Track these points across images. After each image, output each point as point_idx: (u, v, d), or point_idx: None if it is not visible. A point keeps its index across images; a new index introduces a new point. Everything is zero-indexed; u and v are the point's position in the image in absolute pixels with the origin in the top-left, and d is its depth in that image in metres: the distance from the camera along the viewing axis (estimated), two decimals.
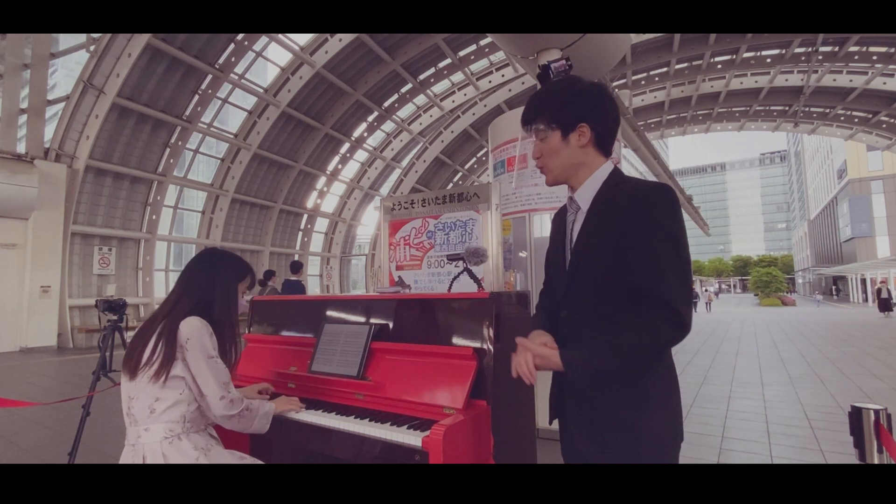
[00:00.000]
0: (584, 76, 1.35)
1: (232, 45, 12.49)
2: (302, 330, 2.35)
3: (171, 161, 13.13)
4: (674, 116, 22.89)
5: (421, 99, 18.36)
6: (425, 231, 3.44)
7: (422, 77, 16.53)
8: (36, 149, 10.65)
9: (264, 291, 7.90)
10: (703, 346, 10.08)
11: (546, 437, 3.28)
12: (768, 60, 17.50)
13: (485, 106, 17.82)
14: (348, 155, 18.33)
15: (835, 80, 18.62)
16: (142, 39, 10.46)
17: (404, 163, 20.36)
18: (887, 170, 36.91)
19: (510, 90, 17.25)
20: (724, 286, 78.09)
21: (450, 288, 2.63)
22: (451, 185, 21.95)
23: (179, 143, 13.17)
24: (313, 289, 19.18)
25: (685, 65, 18.00)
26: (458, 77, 17.56)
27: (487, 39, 14.94)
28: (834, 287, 47.26)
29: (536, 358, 1.15)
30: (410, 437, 1.53)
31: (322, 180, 18.16)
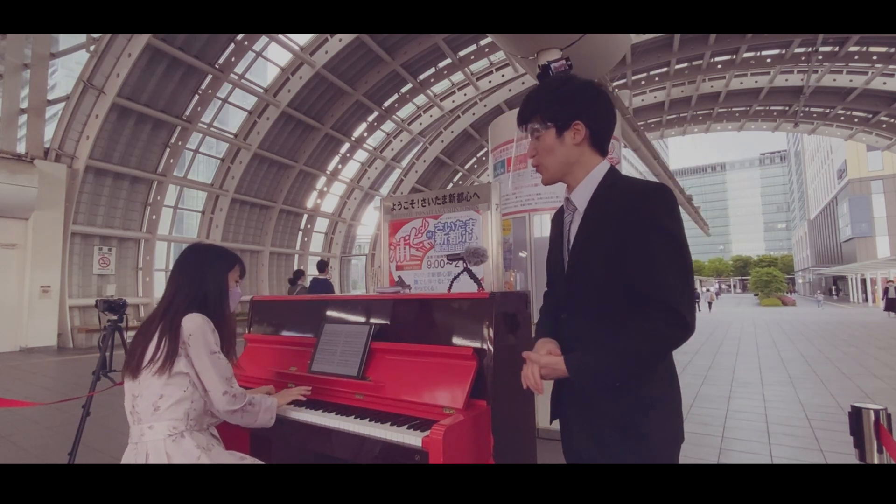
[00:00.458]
0: (584, 76, 1.35)
1: (232, 45, 12.49)
2: (302, 330, 2.35)
3: (171, 161, 13.13)
4: (674, 116, 22.89)
5: (421, 99, 18.36)
6: (425, 231, 3.44)
7: (422, 77, 16.53)
8: (36, 149, 10.65)
9: (294, 290, 8.04)
10: (703, 346, 10.07)
11: (546, 437, 3.28)
12: (768, 60, 17.51)
13: (485, 106, 17.83)
14: (348, 155, 18.34)
15: (835, 80, 18.62)
16: (142, 39, 10.46)
17: (404, 163, 20.36)
18: (887, 170, 36.91)
19: (510, 90, 17.25)
20: (724, 286, 78.08)
21: (450, 288, 2.63)
22: (451, 185, 21.95)
23: (179, 143, 13.17)
24: None
25: (685, 65, 18.00)
26: (458, 77, 17.56)
27: (487, 39, 14.94)
28: (834, 287, 47.27)
29: (543, 368, 1.15)
30: (410, 437, 1.53)
31: (322, 180, 18.16)
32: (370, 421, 1.68)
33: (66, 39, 13.60)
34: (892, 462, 1.24)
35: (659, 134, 25.64)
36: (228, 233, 15.36)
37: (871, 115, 20.87)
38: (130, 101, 11.33)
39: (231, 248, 2.36)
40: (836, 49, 16.37)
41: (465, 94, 18.38)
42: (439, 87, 18.12)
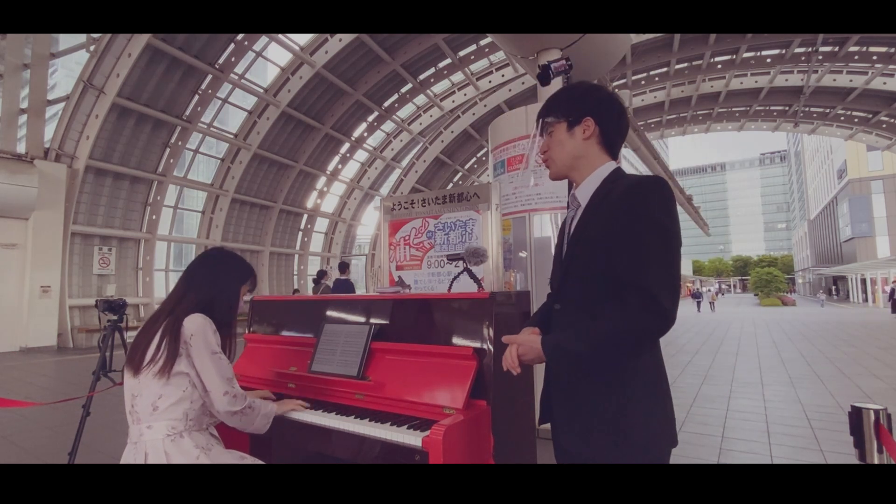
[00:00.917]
0: (584, 76, 1.36)
1: (232, 45, 12.49)
2: (302, 330, 2.35)
3: (171, 161, 13.13)
4: (674, 116, 22.89)
5: (421, 99, 18.37)
6: (425, 231, 3.44)
7: (422, 77, 16.53)
8: (36, 149, 10.66)
9: (318, 290, 8.15)
10: (704, 346, 10.08)
11: (546, 437, 3.26)
12: (768, 60, 17.51)
13: (485, 106, 17.83)
14: (348, 155, 18.34)
15: (835, 80, 18.62)
16: (142, 39, 10.46)
17: (404, 163, 20.37)
18: (887, 170, 36.90)
19: (510, 90, 17.26)
20: (724, 286, 78.10)
21: (450, 288, 2.63)
22: (451, 185, 21.95)
23: (179, 143, 13.17)
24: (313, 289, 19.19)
25: (685, 65, 18.00)
26: (458, 77, 17.56)
27: (487, 39, 14.94)
28: (834, 287, 47.26)
29: (520, 347, 1.17)
30: (410, 437, 1.53)
31: (322, 180, 18.17)
32: (370, 421, 1.68)
33: (66, 39, 13.59)
34: (892, 462, 1.24)
35: (659, 134, 25.65)
36: (228, 233, 15.36)
37: (871, 115, 20.87)
38: (130, 101, 11.33)
39: (231, 248, 2.37)
40: (836, 49, 16.37)
41: (465, 94, 18.38)
42: (439, 87, 18.13)
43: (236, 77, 13.31)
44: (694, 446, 3.66)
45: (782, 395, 5.39)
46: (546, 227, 4.09)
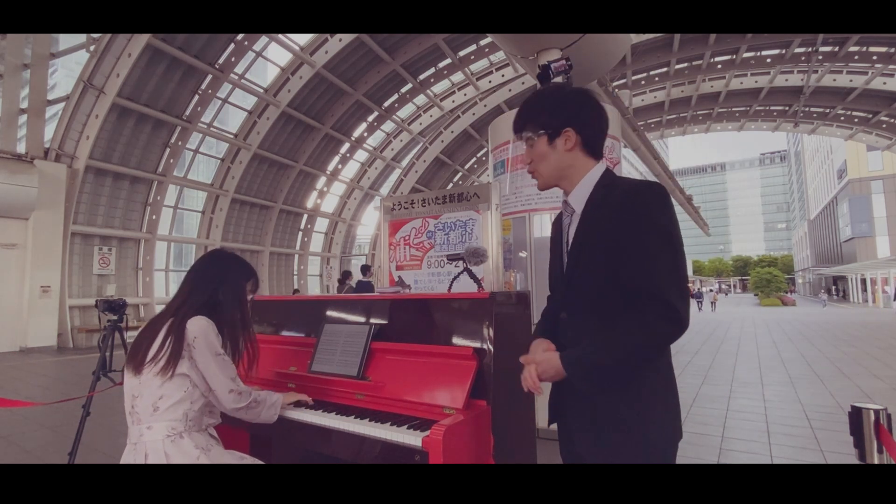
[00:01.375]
0: (584, 76, 1.36)
1: (232, 45, 12.49)
2: (302, 330, 2.35)
3: (171, 161, 13.13)
4: (674, 116, 22.89)
5: (421, 99, 18.37)
6: (425, 231, 3.44)
7: (422, 77, 16.53)
8: (36, 149, 10.65)
9: (342, 290, 8.27)
10: (703, 346, 10.08)
11: (546, 437, 3.28)
12: (768, 60, 17.51)
13: (485, 106, 17.83)
14: (348, 155, 18.34)
15: (835, 80, 18.62)
16: (142, 39, 10.46)
17: (404, 163, 20.36)
18: (887, 170, 36.90)
19: (510, 90, 17.25)
20: (724, 286, 78.11)
21: (450, 288, 2.63)
22: (451, 185, 21.95)
23: (179, 143, 13.17)
24: (313, 289, 19.22)
25: (685, 65, 18.00)
26: (458, 77, 17.56)
27: (487, 39, 14.94)
28: (834, 287, 47.26)
29: (539, 367, 1.16)
30: (410, 437, 1.53)
31: (322, 180, 18.17)
32: (370, 421, 1.68)
33: (66, 39, 13.58)
34: (892, 462, 1.24)
35: (659, 134, 25.65)
36: (228, 233, 15.36)
37: (871, 115, 20.87)
38: (130, 101, 11.33)
39: (231, 248, 2.37)
40: (836, 49, 16.37)
41: (465, 94, 18.38)
42: (439, 87, 18.13)
43: (236, 77, 13.30)
44: (694, 446, 3.66)
45: (782, 394, 5.39)
46: (546, 227, 4.09)
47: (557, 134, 1.22)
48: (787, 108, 21.50)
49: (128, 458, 1.53)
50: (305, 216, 18.40)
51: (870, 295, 33.36)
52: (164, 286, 14.27)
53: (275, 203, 16.48)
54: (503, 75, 17.24)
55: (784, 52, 16.78)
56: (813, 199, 58.06)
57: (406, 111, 18.84)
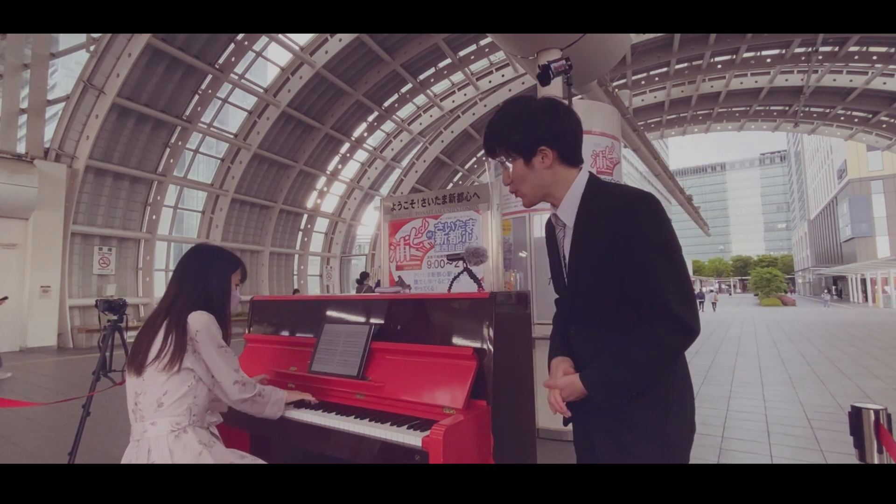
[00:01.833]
0: (584, 76, 1.36)
1: (232, 45, 12.49)
2: (302, 330, 2.34)
3: (171, 161, 13.14)
4: (674, 116, 22.89)
5: (421, 99, 18.37)
6: (425, 231, 3.44)
7: (422, 77, 16.53)
8: (36, 149, 10.66)
9: (361, 290, 8.26)
10: (704, 346, 10.08)
11: (546, 437, 3.29)
12: (768, 60, 17.51)
13: (485, 106, 17.83)
14: (348, 155, 18.34)
15: (835, 80, 18.62)
16: (142, 39, 10.46)
17: (404, 163, 20.37)
18: (887, 170, 36.90)
19: (510, 90, 17.24)
20: (724, 286, 78.11)
21: (450, 288, 2.63)
22: (451, 185, 21.94)
23: (179, 143, 13.17)
24: (313, 289, 19.22)
25: (685, 65, 18.00)
26: (458, 77, 17.56)
27: (487, 39, 14.93)
28: (834, 287, 47.26)
29: (562, 391, 1.18)
30: (410, 437, 1.53)
31: (322, 180, 18.17)
32: (370, 421, 1.68)
33: (66, 39, 13.59)
34: (892, 462, 1.24)
35: (659, 134, 25.64)
36: (228, 233, 15.36)
37: (871, 115, 20.87)
38: (130, 101, 11.33)
39: (231, 249, 2.38)
40: (836, 49, 16.37)
41: (465, 94, 18.38)
42: (439, 87, 18.13)
43: (236, 77, 13.30)
44: (694, 446, 3.62)
45: (782, 395, 5.39)
46: None
47: (533, 154, 1.19)
48: (787, 108, 21.50)
49: (130, 454, 1.53)
50: (305, 216, 18.40)
51: (870, 295, 33.36)
52: (164, 286, 14.24)
53: (275, 203, 16.48)
54: (503, 75, 17.24)
55: (784, 52, 16.78)
56: (813, 199, 58.06)
57: (406, 111, 18.84)
